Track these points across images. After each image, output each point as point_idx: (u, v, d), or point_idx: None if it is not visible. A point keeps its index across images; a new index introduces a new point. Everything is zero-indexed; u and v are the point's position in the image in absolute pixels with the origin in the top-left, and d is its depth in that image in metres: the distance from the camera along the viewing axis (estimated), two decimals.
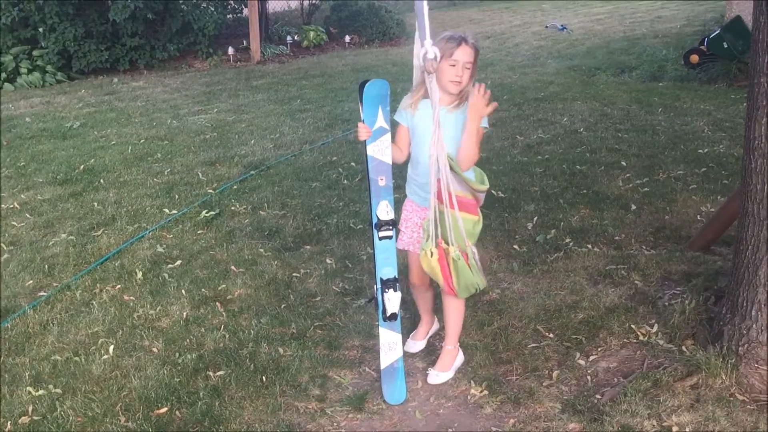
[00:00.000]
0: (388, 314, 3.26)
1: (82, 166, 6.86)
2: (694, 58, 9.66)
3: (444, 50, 3.02)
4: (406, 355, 3.53)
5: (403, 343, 3.46)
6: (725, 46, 9.23)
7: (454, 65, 3.04)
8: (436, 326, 3.71)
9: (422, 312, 3.67)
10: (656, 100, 8.47)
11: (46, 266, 4.74)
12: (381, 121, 3.18)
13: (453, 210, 3.01)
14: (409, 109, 3.22)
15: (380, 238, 3.24)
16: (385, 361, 3.33)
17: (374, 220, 3.24)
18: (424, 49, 2.83)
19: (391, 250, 3.28)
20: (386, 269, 3.27)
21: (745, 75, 8.45)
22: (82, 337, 3.88)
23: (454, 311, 3.38)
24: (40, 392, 3.40)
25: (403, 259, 3.52)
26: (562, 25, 14.90)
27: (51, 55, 11.46)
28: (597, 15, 16.69)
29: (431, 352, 3.62)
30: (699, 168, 5.92)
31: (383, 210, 3.22)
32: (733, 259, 3.34)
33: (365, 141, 3.19)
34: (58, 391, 3.41)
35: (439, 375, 3.40)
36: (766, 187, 3.03)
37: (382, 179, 3.22)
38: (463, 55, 3.04)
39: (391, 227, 3.25)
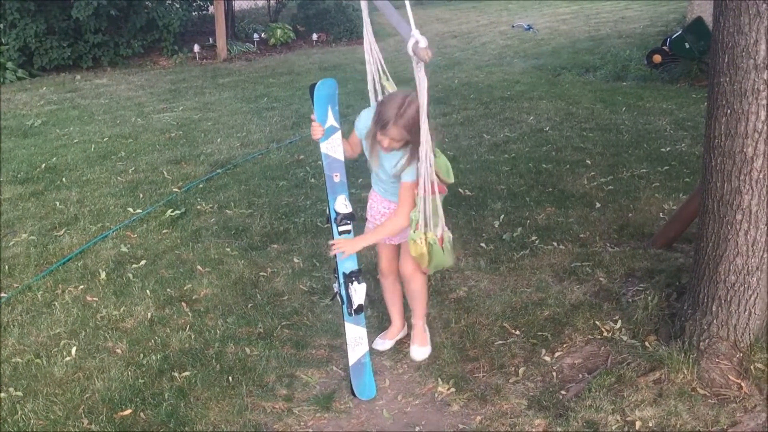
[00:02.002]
0: (354, 306, 3.30)
1: (43, 165, 6.73)
2: (657, 58, 9.81)
3: (374, 125, 3.05)
4: (374, 354, 3.54)
5: (371, 341, 3.48)
6: (687, 46, 9.39)
7: (381, 140, 3.05)
8: (404, 332, 3.72)
9: (393, 312, 3.68)
10: (620, 99, 8.59)
11: (7, 267, 4.64)
12: (331, 120, 3.26)
13: (434, 195, 3.04)
14: (364, 130, 3.23)
15: (340, 233, 3.31)
16: (352, 357, 3.34)
17: (333, 215, 3.31)
18: (413, 39, 2.70)
19: None
20: (348, 263, 3.32)
21: (705, 75, 8.60)
22: (43, 339, 3.81)
23: (419, 296, 3.51)
24: (1, 395, 3.34)
25: (366, 254, 3.52)
26: (528, 25, 15.02)
27: (12, 52, 11.20)
28: (562, 15, 16.86)
29: (398, 351, 3.63)
30: (661, 166, 6.02)
31: (341, 204, 3.30)
32: (694, 256, 3.40)
33: (319, 139, 3.27)
34: (19, 393, 3.35)
35: (421, 349, 3.52)
36: (725, 185, 3.09)
37: (336, 175, 3.31)
38: (390, 134, 3.01)
39: (349, 221, 3.32)
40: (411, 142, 3.04)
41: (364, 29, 3.35)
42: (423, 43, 2.69)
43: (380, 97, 3.44)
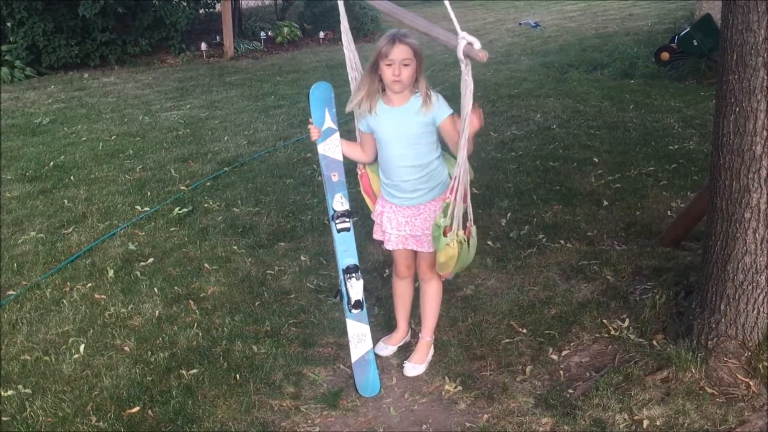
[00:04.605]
0: (352, 302, 3.31)
1: (51, 163, 6.76)
2: (665, 55, 9.77)
3: (380, 50, 3.06)
4: (377, 356, 3.53)
5: (374, 339, 3.47)
6: (695, 43, 9.34)
7: (390, 64, 3.05)
8: (408, 338, 3.68)
9: (399, 316, 3.65)
10: (628, 97, 8.55)
11: (15, 265, 4.67)
12: (329, 122, 3.33)
13: (466, 204, 3.03)
14: (367, 114, 3.22)
15: (338, 231, 3.35)
16: (355, 354, 3.36)
17: (331, 213, 3.35)
18: (464, 41, 2.67)
19: (351, 242, 3.37)
20: (347, 259, 3.35)
21: (714, 72, 8.56)
22: (52, 337, 3.83)
23: (434, 300, 3.44)
24: (9, 392, 3.36)
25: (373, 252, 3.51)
26: (535, 23, 14.98)
27: (20, 50, 11.26)
28: (569, 12, 16.80)
29: (406, 350, 3.63)
30: (669, 164, 5.99)
31: (338, 202, 3.35)
32: (702, 255, 3.39)
33: (316, 141, 3.34)
34: (28, 391, 3.36)
35: (415, 367, 3.44)
36: (734, 183, 3.08)
37: (335, 175, 3.36)
38: (399, 53, 3.03)
39: (347, 219, 3.35)
40: (418, 69, 3.07)
41: (342, 29, 3.35)
42: (477, 44, 2.65)
43: None
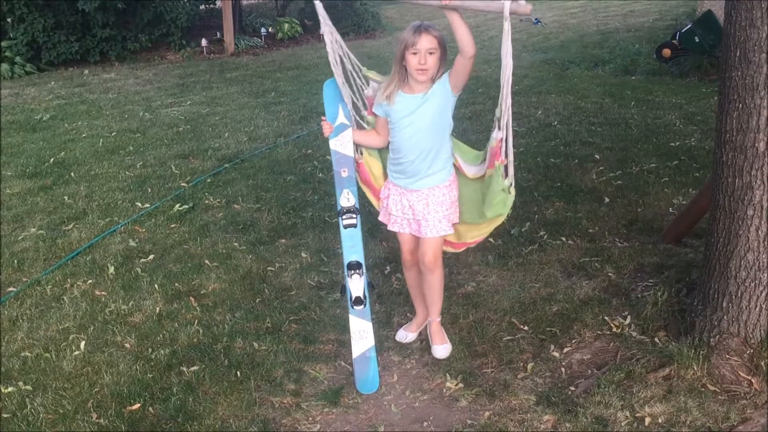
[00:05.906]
0: (353, 298, 3.33)
1: (52, 159, 6.75)
2: (667, 52, 9.75)
3: (407, 40, 3.11)
4: (382, 349, 3.53)
5: (375, 336, 3.46)
6: (697, 40, 9.33)
7: (416, 53, 3.10)
8: (428, 322, 3.68)
9: (416, 302, 3.67)
10: (629, 93, 8.54)
11: (16, 261, 4.66)
12: (341, 118, 3.36)
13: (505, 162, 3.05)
14: (385, 101, 3.27)
15: (344, 227, 3.38)
16: (356, 350, 3.36)
17: (338, 208, 3.39)
18: (517, 2, 2.68)
19: (356, 238, 3.40)
20: (352, 256, 3.38)
21: (716, 69, 8.55)
22: (52, 333, 3.82)
23: (437, 285, 3.46)
24: (10, 389, 3.35)
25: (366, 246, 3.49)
26: (536, 19, 14.95)
27: (20, 46, 11.24)
28: (571, 9, 16.77)
29: (406, 347, 3.62)
30: (671, 161, 5.98)
31: (345, 198, 3.38)
32: (705, 252, 3.38)
33: (329, 136, 3.38)
34: (28, 387, 3.36)
35: (444, 347, 3.50)
36: (736, 180, 3.06)
37: (344, 171, 3.39)
38: (425, 42, 3.08)
39: (354, 215, 3.38)
40: (442, 59, 3.13)
41: (323, 26, 3.37)
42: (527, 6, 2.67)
43: (366, 90, 3.46)
